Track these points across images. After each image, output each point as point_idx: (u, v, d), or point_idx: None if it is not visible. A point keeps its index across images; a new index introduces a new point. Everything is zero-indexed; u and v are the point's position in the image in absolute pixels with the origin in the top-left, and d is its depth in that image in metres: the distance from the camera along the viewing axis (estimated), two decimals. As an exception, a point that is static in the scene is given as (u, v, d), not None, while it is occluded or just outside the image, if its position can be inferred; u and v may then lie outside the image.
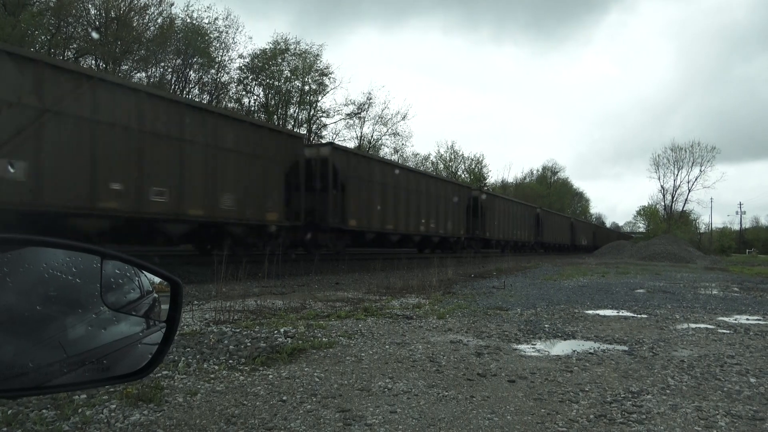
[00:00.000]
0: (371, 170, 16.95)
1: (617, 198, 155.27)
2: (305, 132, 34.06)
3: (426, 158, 52.59)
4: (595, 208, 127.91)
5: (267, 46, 34.64)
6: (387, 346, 4.39)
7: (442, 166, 53.46)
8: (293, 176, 13.53)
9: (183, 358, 3.62)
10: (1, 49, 7.87)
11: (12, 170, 7.23)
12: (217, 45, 31.59)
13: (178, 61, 29.67)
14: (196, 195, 10.65)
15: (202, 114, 11.16)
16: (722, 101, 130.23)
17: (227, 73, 33.25)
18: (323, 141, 18.88)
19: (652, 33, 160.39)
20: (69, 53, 24.44)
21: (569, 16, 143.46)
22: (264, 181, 12.44)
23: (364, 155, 19.77)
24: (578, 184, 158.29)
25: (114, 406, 2.65)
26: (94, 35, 24.53)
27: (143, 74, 27.87)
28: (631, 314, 6.96)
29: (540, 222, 37.43)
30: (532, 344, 4.75)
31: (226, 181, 11.28)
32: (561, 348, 4.65)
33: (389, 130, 41.41)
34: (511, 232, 31.20)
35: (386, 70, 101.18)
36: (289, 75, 35.24)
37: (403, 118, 47.79)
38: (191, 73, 30.89)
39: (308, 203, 14.12)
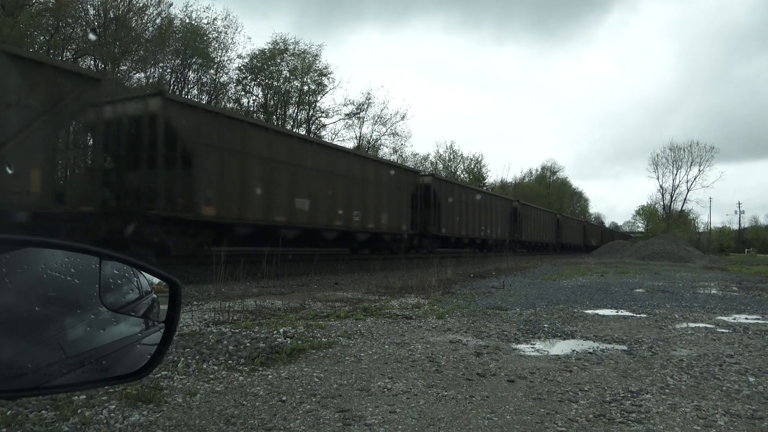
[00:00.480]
0: (454, 192, 23.88)
1: (617, 198, 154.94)
2: (304, 132, 34.05)
3: (425, 158, 52.62)
4: (595, 208, 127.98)
5: (266, 47, 34.69)
6: (386, 346, 4.39)
7: (441, 166, 53.46)
8: (413, 198, 19.97)
9: (182, 359, 3.62)
10: (315, 142, 16.19)
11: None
12: (216, 45, 31.62)
13: (177, 61, 29.68)
14: (371, 215, 16.83)
15: (376, 164, 18.36)
16: (722, 101, 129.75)
17: (226, 74, 33.28)
18: (426, 173, 25.70)
19: (652, 33, 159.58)
20: (68, 54, 24.42)
21: (571, 15, 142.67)
22: (400, 203, 18.85)
23: (450, 181, 27.00)
24: (578, 183, 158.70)
25: (113, 406, 2.64)
26: (92, 37, 24.52)
27: (142, 74, 27.90)
28: (630, 314, 6.97)
29: (560, 225, 43.72)
30: (532, 344, 4.76)
31: (383, 205, 17.60)
32: (560, 348, 4.65)
33: (388, 130, 41.49)
34: (539, 235, 37.44)
35: (386, 70, 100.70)
36: (288, 75, 35.27)
37: (402, 118, 47.94)
38: (190, 73, 30.92)
39: (420, 217, 20.60)
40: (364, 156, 19.85)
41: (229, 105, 33.24)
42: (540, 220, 37.19)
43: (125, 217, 9.72)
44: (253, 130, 12.66)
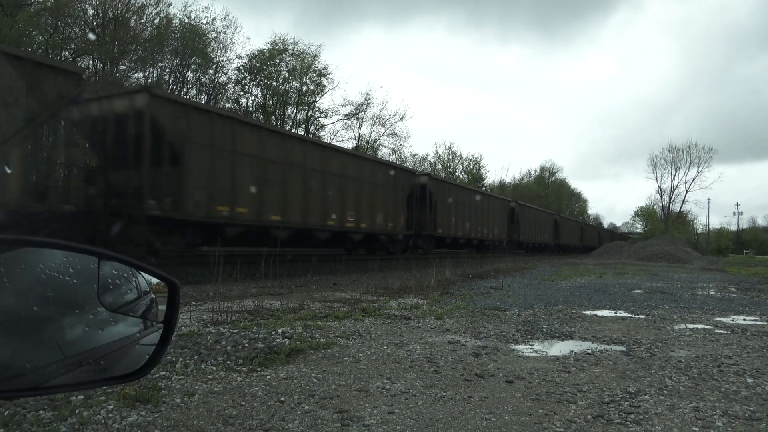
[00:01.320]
0: (527, 210, 34.99)
1: (617, 198, 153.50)
2: (303, 133, 34.05)
3: (424, 158, 52.66)
4: (594, 209, 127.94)
5: (265, 47, 34.70)
6: (385, 347, 4.39)
7: (440, 166, 53.49)
8: (508, 215, 30.78)
9: (180, 359, 3.62)
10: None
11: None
12: (215, 45, 31.60)
13: (176, 61, 29.65)
14: (486, 229, 27.12)
15: (491, 198, 29.75)
16: (724, 101, 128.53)
17: (225, 74, 33.25)
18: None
19: (654, 32, 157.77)
20: (67, 53, 24.39)
21: (575, 15, 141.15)
22: (501, 220, 29.63)
23: (525, 204, 36.24)
24: (579, 184, 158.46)
25: (111, 407, 2.64)
26: (91, 37, 24.49)
27: (141, 74, 27.86)
28: (629, 315, 6.97)
29: (582, 231, 54.55)
30: (530, 345, 4.76)
31: (491, 222, 28.02)
32: (559, 348, 4.66)
33: (387, 131, 41.50)
34: (569, 239, 47.29)
35: (387, 70, 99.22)
36: (287, 75, 35.26)
37: (401, 118, 47.85)
38: (189, 73, 30.89)
39: (507, 228, 30.66)
40: (489, 194, 32.16)
41: (228, 105, 33.23)
42: (569, 228, 42.32)
43: (421, 236, 20.51)
44: (458, 188, 25.97)
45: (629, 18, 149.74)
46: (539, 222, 38.43)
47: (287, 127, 33.75)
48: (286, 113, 36.54)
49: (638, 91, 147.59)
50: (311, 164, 13.86)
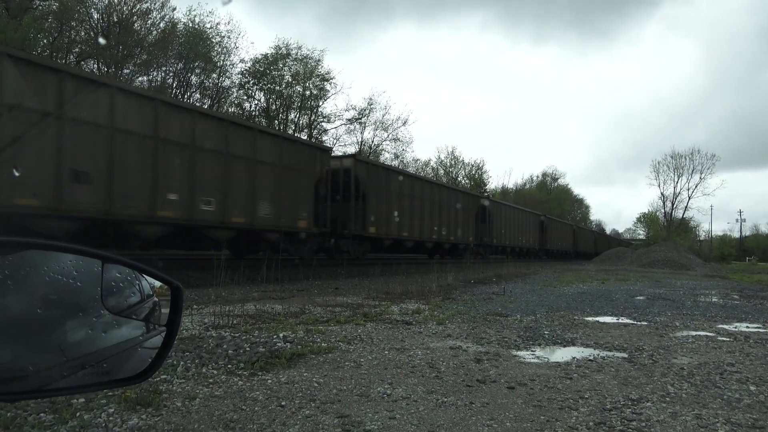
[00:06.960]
0: (553, 222, 40.63)
1: (624, 203, 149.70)
2: (305, 137, 34.12)
3: (426, 164, 52.67)
4: (600, 214, 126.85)
5: (269, 51, 34.83)
6: (386, 352, 4.38)
7: (442, 171, 53.49)
8: (539, 227, 35.51)
9: (182, 363, 3.62)
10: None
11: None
12: (219, 50, 31.70)
13: (180, 65, 29.76)
14: (519, 237, 32.45)
15: (525, 212, 34.92)
16: (749, 105, 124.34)
17: (229, 78, 33.34)
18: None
19: (674, 36, 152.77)
20: (71, 57, 24.50)
21: (588, 21, 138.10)
22: (534, 230, 34.86)
23: (551, 217, 42.00)
24: (590, 189, 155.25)
25: (112, 410, 2.64)
26: (101, 41, 24.60)
27: (145, 78, 27.96)
28: (631, 321, 6.95)
29: (596, 239, 61.05)
30: (532, 351, 4.74)
31: (530, 233, 34.53)
32: (560, 355, 4.64)
33: (389, 136, 41.55)
34: (585, 246, 53.50)
35: (401, 72, 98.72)
36: (290, 80, 35.36)
37: (404, 123, 47.84)
38: (192, 77, 30.98)
39: (541, 239, 35.91)
40: (525, 210, 35.59)
41: (231, 109, 33.31)
42: (560, 231, 45.58)
43: (482, 245, 25.59)
44: (507, 206, 30.58)
45: (675, 13, 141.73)
46: (561, 232, 45.11)
47: (290, 131, 33.86)
48: (289, 118, 36.65)
49: (657, 95, 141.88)
50: (424, 195, 20.10)
